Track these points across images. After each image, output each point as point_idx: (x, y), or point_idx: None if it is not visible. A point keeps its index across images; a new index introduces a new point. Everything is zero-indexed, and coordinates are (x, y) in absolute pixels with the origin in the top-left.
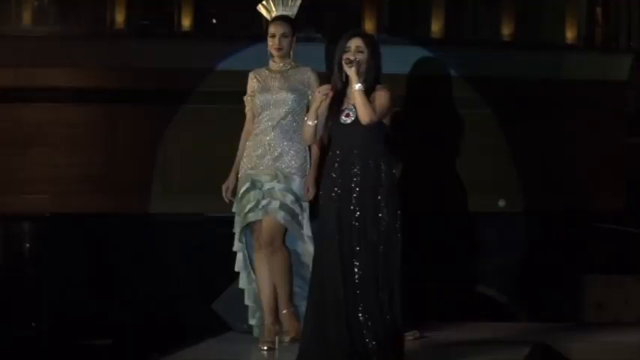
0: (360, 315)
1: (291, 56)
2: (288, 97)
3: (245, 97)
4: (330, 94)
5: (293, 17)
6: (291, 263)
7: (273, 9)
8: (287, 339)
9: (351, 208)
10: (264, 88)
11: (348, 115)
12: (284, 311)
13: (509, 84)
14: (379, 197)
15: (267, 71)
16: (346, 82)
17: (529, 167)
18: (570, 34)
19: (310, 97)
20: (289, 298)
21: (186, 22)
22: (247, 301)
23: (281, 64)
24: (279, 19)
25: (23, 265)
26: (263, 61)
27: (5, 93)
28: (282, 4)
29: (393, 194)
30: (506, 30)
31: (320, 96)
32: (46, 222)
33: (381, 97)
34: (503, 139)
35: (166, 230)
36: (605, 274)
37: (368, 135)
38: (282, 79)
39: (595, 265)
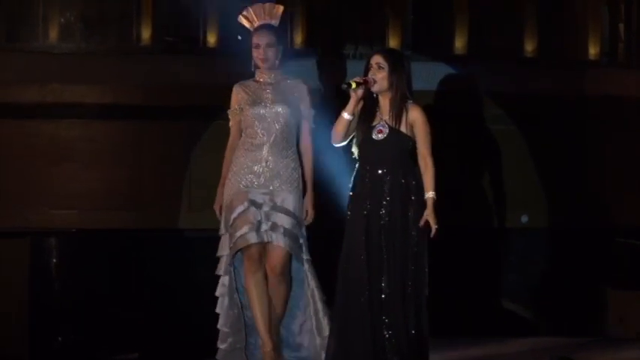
0: (384, 331)
1: (277, 67)
2: (284, 111)
3: (229, 111)
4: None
5: (276, 26)
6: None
7: (255, 19)
8: None
9: (381, 223)
10: (255, 101)
11: (380, 132)
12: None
13: (532, 100)
14: (409, 214)
15: (254, 83)
16: (377, 99)
17: (552, 183)
18: (593, 50)
19: (303, 110)
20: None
21: (211, 39)
22: (222, 326)
23: (271, 76)
24: (262, 28)
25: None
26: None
27: (32, 109)
28: (264, 12)
29: (422, 210)
30: (530, 46)
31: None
32: (72, 237)
33: (422, 126)
34: (527, 155)
35: (191, 246)
36: (627, 289)
37: (398, 152)
38: (274, 92)
39: (618, 280)
